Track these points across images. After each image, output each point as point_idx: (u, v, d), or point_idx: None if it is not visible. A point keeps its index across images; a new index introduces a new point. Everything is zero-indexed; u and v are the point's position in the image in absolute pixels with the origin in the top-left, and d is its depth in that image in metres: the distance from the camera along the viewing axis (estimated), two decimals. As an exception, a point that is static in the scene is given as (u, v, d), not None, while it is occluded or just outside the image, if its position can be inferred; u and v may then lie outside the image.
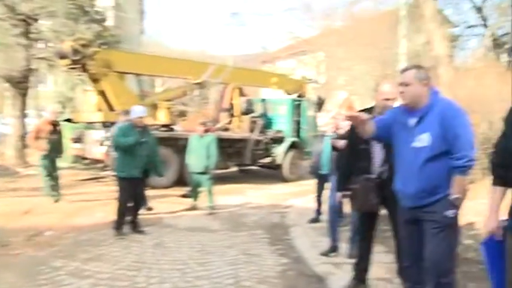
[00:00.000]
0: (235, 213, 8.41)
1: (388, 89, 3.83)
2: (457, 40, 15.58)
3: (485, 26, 14.89)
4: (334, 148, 5.26)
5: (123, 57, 11.94)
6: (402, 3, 12.04)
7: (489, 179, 5.78)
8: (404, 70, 3.25)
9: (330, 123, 6.98)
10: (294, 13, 36.88)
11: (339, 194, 4.51)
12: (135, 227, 6.57)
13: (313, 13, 25.73)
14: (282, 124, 13.82)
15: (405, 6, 12.06)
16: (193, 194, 8.49)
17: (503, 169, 2.39)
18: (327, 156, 6.88)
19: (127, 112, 7.38)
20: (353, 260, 5.06)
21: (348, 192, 4.26)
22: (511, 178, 2.33)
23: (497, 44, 15.04)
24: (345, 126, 5.17)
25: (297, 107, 14.05)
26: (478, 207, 5.56)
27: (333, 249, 5.42)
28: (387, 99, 3.80)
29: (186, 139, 8.78)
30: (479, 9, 14.87)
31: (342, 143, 5.04)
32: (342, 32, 23.11)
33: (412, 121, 3.11)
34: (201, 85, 12.37)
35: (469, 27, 16.22)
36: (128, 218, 6.54)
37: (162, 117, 11.72)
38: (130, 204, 6.53)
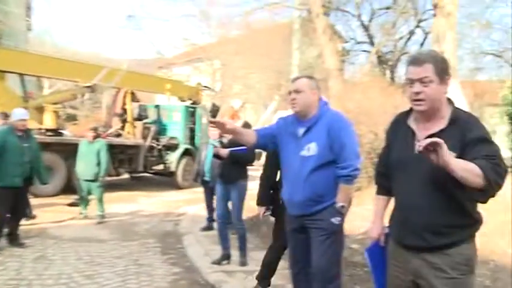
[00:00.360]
0: (126, 221, 8.13)
1: None
2: (347, 55, 16.53)
3: (371, 43, 15.95)
4: (217, 156, 5.28)
5: (4, 54, 10.99)
6: (296, 16, 12.52)
7: (374, 187, 6.22)
8: (296, 78, 3.33)
9: (212, 130, 7.04)
10: (191, 20, 36.68)
11: (260, 209, 4.30)
12: (14, 240, 6.05)
13: (210, 21, 25.84)
14: (176, 131, 13.66)
15: (299, 19, 12.56)
16: (82, 203, 8.06)
17: (386, 179, 2.50)
18: (208, 164, 6.95)
19: (6, 115, 6.82)
20: (244, 268, 5.15)
21: (269, 209, 4.24)
22: (392, 187, 2.44)
23: (381, 60, 16.20)
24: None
25: (191, 114, 13.99)
26: (364, 213, 5.91)
27: (225, 257, 5.43)
28: None
29: (75, 145, 8.32)
30: (366, 28, 15.93)
31: (225, 152, 5.08)
32: (238, 41, 23.44)
33: (301, 130, 3.18)
34: (92, 88, 11.78)
35: (358, 43, 17.28)
36: (6, 231, 6.01)
37: (49, 121, 10.98)
38: (9, 216, 6.00)
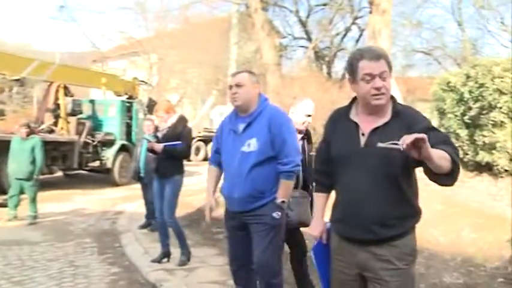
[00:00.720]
0: (61, 221, 7.77)
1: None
2: (285, 50, 16.65)
3: (309, 39, 16.17)
4: (152, 151, 5.16)
5: None
6: (234, 10, 12.46)
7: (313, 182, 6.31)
8: (236, 73, 3.29)
9: (147, 125, 6.90)
10: (127, 13, 35.66)
11: None
12: None
13: (146, 14, 25.26)
14: (112, 126, 13.24)
15: (237, 14, 12.50)
16: (12, 203, 7.60)
17: (325, 176, 2.49)
18: (143, 160, 6.82)
19: None
20: (185, 266, 5.05)
21: None
22: (331, 184, 2.44)
23: (318, 56, 16.48)
24: (165, 128, 5.13)
25: (127, 109, 13.63)
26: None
27: (165, 255, 5.30)
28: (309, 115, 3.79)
29: (4, 142, 7.84)
30: (303, 24, 16.12)
31: (159, 147, 4.97)
32: (175, 35, 23.11)
33: (241, 126, 3.15)
34: (21, 82, 11.17)
35: (295, 38, 17.44)
36: None
37: (-28, 116, 10.31)
38: None
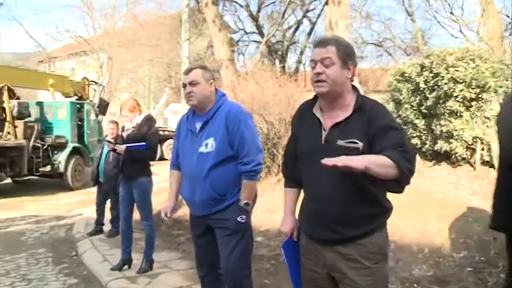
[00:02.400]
0: (11, 232, 7.28)
1: None
2: (236, 45, 16.46)
3: (261, 33, 16.04)
4: (114, 152, 4.88)
5: None
6: (184, 6, 12.12)
7: (272, 177, 6.15)
8: (189, 70, 3.04)
9: (111, 128, 6.54)
10: (73, 11, 34.38)
11: None
12: None
13: (93, 12, 24.43)
14: (63, 129, 12.66)
15: (187, 9, 12.18)
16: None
17: (293, 170, 2.38)
18: (102, 164, 6.54)
19: None
20: (147, 273, 4.78)
21: None
22: (302, 179, 2.32)
23: (271, 50, 16.39)
24: (130, 128, 4.84)
25: (78, 110, 13.13)
26: (265, 204, 5.85)
27: (126, 261, 5.00)
28: None
29: None
30: (254, 18, 15.97)
31: (121, 148, 4.69)
32: (124, 33, 22.50)
33: (198, 125, 2.96)
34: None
35: (247, 33, 17.27)
36: None
37: None
38: None
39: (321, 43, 2.14)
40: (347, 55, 2.13)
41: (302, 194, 2.36)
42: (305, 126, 2.28)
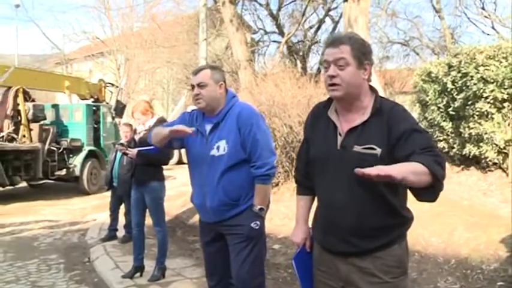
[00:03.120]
0: (24, 237, 7.33)
1: None
2: (256, 45, 16.41)
3: (281, 33, 15.96)
4: (128, 156, 4.85)
5: None
6: (201, 5, 12.13)
7: (292, 182, 6.08)
8: (197, 71, 2.97)
9: (124, 131, 6.55)
10: (90, 11, 34.90)
11: None
12: None
13: (110, 12, 24.73)
14: (79, 132, 12.80)
15: (204, 8, 12.18)
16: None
17: (307, 177, 2.30)
18: (116, 168, 6.53)
19: None
20: (159, 281, 4.74)
21: None
22: (315, 186, 2.23)
23: (292, 50, 16.29)
24: (142, 131, 4.81)
25: (94, 113, 13.24)
26: (283, 210, 5.77)
27: (138, 269, 4.96)
28: None
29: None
30: (274, 17, 15.89)
31: (133, 152, 4.67)
32: (142, 34, 22.69)
33: (208, 127, 2.89)
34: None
35: (267, 33, 17.22)
36: None
37: None
38: None
39: (334, 42, 2.04)
40: (362, 53, 2.02)
41: (316, 202, 2.27)
42: (319, 130, 2.19)
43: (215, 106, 2.90)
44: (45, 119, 12.35)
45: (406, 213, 2.08)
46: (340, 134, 2.06)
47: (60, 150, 12.14)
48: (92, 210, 9.60)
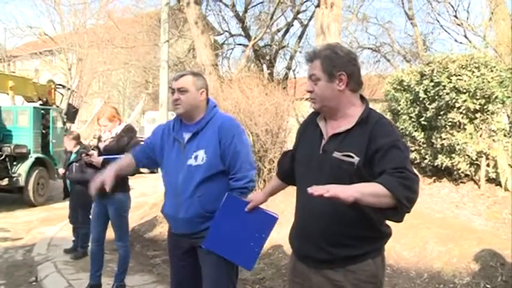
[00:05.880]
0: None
1: None
2: (221, 48, 16.46)
3: (247, 36, 16.06)
4: (90, 165, 4.85)
5: None
6: (164, 4, 12.14)
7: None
8: (180, 76, 3.06)
9: (69, 140, 6.54)
10: (37, 4, 34.27)
11: None
12: None
13: (61, 7, 24.38)
14: (24, 137, 12.46)
15: (167, 8, 12.19)
16: None
17: (286, 168, 2.57)
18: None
19: None
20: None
21: None
22: (288, 179, 2.55)
23: (258, 54, 16.42)
24: (109, 139, 4.84)
25: (42, 117, 12.97)
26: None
27: (95, 287, 4.97)
28: None
29: None
30: (240, 19, 15.99)
31: (98, 160, 4.68)
32: (96, 32, 22.44)
33: (186, 136, 2.98)
34: None
35: (232, 36, 17.29)
36: None
37: None
38: None
39: (308, 57, 2.27)
40: (333, 66, 2.17)
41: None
42: (307, 135, 2.38)
43: (194, 113, 3.00)
44: (-16, 122, 12.07)
45: (383, 228, 2.22)
46: (324, 139, 2.23)
47: (2, 158, 11.80)
48: (38, 224, 9.40)
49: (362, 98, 2.27)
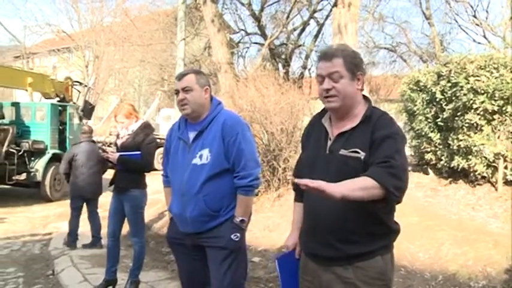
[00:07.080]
0: (-22, 247, 7.25)
1: None
2: (237, 47, 16.47)
3: (263, 34, 16.05)
4: (107, 161, 4.90)
5: None
6: (180, 2, 12.18)
7: (272, 192, 6.19)
8: (182, 75, 3.06)
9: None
10: (55, 2, 34.61)
11: None
12: None
13: (78, 5, 24.59)
14: (42, 133, 12.60)
15: (183, 6, 12.22)
16: None
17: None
18: None
19: None
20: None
21: None
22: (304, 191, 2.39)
23: (274, 53, 16.42)
24: (125, 136, 4.88)
25: (60, 114, 13.11)
26: (263, 221, 5.88)
27: (110, 282, 5.00)
28: None
29: None
30: (256, 18, 15.98)
31: (114, 157, 4.73)
32: (113, 30, 22.60)
33: (192, 135, 2.99)
34: None
35: (248, 34, 17.29)
36: None
37: None
38: None
39: (326, 56, 2.25)
40: (354, 65, 2.22)
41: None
42: (313, 137, 2.40)
43: (200, 112, 3.00)
44: (3, 118, 12.18)
45: (392, 224, 2.24)
46: (330, 139, 2.26)
47: (20, 153, 11.94)
48: (55, 219, 9.51)
49: (364, 97, 2.32)
